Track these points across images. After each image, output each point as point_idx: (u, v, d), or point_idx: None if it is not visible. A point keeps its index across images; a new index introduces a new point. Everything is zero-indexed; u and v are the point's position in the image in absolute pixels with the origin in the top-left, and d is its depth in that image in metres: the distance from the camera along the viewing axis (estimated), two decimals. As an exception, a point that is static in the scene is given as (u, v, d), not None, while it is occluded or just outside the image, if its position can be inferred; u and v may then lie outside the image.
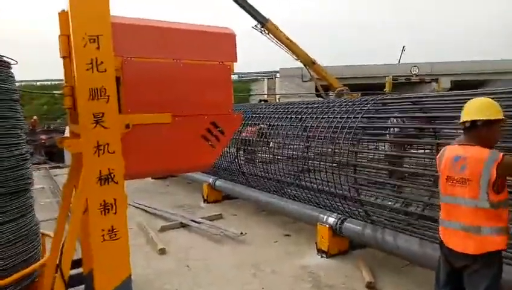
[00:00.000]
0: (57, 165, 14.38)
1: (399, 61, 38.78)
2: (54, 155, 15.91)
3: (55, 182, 10.34)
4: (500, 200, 2.35)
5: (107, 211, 2.07)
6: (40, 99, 28.93)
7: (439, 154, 2.68)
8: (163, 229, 6.11)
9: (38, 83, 35.00)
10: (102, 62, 2.01)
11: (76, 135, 2.15)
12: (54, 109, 26.74)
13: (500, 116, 2.42)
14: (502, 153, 2.33)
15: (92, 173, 2.03)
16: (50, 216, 6.26)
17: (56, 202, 7.98)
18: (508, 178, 2.44)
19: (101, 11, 2.01)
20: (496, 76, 32.17)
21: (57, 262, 2.26)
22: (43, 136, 17.59)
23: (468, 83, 28.16)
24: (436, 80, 28.74)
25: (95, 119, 2.01)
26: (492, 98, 2.56)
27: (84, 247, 2.52)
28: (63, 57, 2.32)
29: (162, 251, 5.16)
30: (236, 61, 2.72)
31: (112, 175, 2.07)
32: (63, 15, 2.23)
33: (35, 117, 21.27)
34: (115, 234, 2.10)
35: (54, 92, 24.58)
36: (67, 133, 2.68)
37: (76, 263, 2.57)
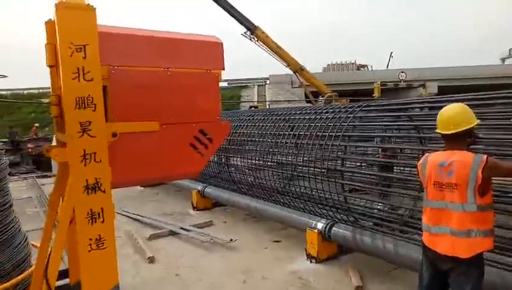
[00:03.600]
0: (45, 174, 14.20)
1: (387, 67, 39.33)
2: (41, 164, 15.70)
3: (43, 191, 10.21)
4: (486, 203, 2.41)
5: (94, 220, 2.06)
6: (28, 107, 28.63)
7: (421, 161, 2.73)
8: (152, 237, 6.06)
9: (25, 92, 34.63)
10: (89, 71, 2.01)
11: (63, 144, 2.13)
12: (41, 118, 26.42)
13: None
14: (486, 155, 2.40)
15: (78, 182, 2.02)
16: (37, 226, 6.19)
17: (43, 212, 7.87)
18: (494, 180, 2.52)
19: (88, 21, 2.01)
20: (482, 81, 32.84)
21: (43, 273, 2.23)
22: (30, 145, 17.37)
23: (455, 88, 28.65)
24: (424, 86, 29.22)
25: (82, 128, 2.00)
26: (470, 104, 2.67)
27: (71, 257, 2.49)
28: (50, 66, 2.31)
29: (151, 260, 5.12)
30: (223, 69, 2.74)
31: (99, 184, 2.06)
32: (49, 24, 2.23)
33: (37, 124, 21.29)
34: (102, 243, 2.09)
35: (42, 100, 24.34)
36: (54, 142, 2.67)
37: (62, 274, 2.54)
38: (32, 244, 3.82)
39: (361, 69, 42.66)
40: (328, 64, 45.82)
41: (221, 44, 2.71)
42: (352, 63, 44.62)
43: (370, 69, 41.74)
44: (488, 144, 4.18)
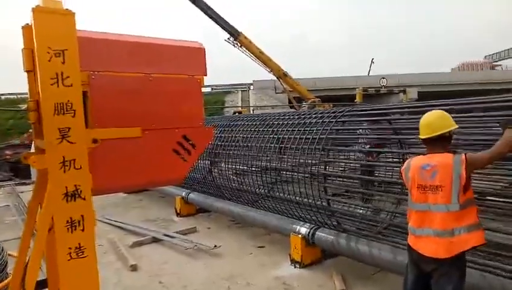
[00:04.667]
0: (23, 181, 13.84)
1: (368, 73, 40.02)
2: (19, 171, 15.31)
3: (21, 199, 9.94)
4: (467, 199, 2.48)
5: (74, 228, 2.02)
6: (5, 113, 27.87)
7: (404, 166, 2.80)
8: (135, 244, 5.97)
9: (3, 97, 33.81)
10: (68, 76, 1.97)
11: (41, 151, 2.09)
12: (19, 124, 25.78)
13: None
14: (463, 154, 2.48)
15: (58, 190, 1.98)
16: (15, 235, 6.03)
17: (22, 221, 7.66)
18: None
19: (67, 25, 1.98)
20: (459, 87, 33.72)
21: (21, 283, 2.17)
22: (8, 152, 16.93)
23: (434, 94, 29.33)
24: (404, 91, 29.81)
25: (61, 134, 1.96)
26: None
27: (50, 266, 2.43)
28: (27, 71, 2.26)
29: (134, 267, 5.04)
30: (206, 74, 2.74)
31: (79, 191, 2.02)
32: (26, 29, 2.19)
33: (31, 130, 20.78)
34: (82, 252, 2.04)
35: (20, 106, 23.75)
36: (33, 149, 2.62)
37: (41, 284, 2.47)
38: (10, 254, 3.71)
39: (496, 68, 44.39)
40: (463, 64, 48.02)
41: (204, 50, 2.71)
42: (486, 62, 46.36)
43: (505, 68, 43.26)
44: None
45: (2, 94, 34.34)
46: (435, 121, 2.63)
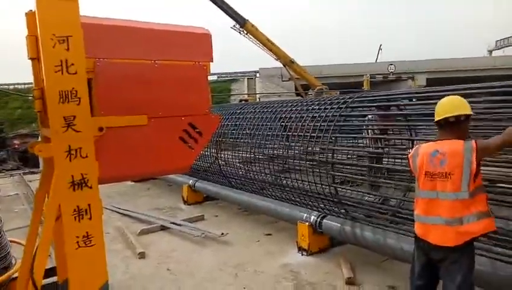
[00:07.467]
0: (32, 170, 13.98)
1: (376, 60, 39.50)
2: (28, 160, 15.45)
3: (30, 188, 10.05)
4: (477, 187, 2.43)
5: (81, 217, 2.01)
6: (14, 102, 28.05)
7: (412, 153, 2.75)
8: (142, 232, 6.01)
9: (12, 86, 33.92)
10: (72, 64, 1.94)
11: (47, 139, 2.08)
12: (27, 113, 25.91)
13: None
14: (473, 140, 2.42)
15: (64, 178, 1.97)
16: (25, 223, 6.11)
17: (31, 209, 7.74)
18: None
19: (70, 11, 1.94)
20: (469, 73, 33.18)
21: (30, 271, 2.18)
22: (16, 141, 17.08)
23: (443, 80, 28.89)
24: (412, 78, 29.40)
25: (66, 122, 1.94)
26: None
27: (58, 254, 2.44)
28: (32, 59, 2.24)
29: (142, 255, 5.08)
30: (212, 61, 2.69)
31: (85, 180, 2.01)
32: (30, 15, 2.16)
33: None
34: (90, 240, 2.04)
35: (28, 95, 23.80)
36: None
37: (50, 272, 2.49)
38: (13, 241, 3.70)
39: None
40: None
41: (210, 35, 2.66)
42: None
43: None
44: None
45: (11, 84, 34.42)
46: (443, 105, 2.58)
